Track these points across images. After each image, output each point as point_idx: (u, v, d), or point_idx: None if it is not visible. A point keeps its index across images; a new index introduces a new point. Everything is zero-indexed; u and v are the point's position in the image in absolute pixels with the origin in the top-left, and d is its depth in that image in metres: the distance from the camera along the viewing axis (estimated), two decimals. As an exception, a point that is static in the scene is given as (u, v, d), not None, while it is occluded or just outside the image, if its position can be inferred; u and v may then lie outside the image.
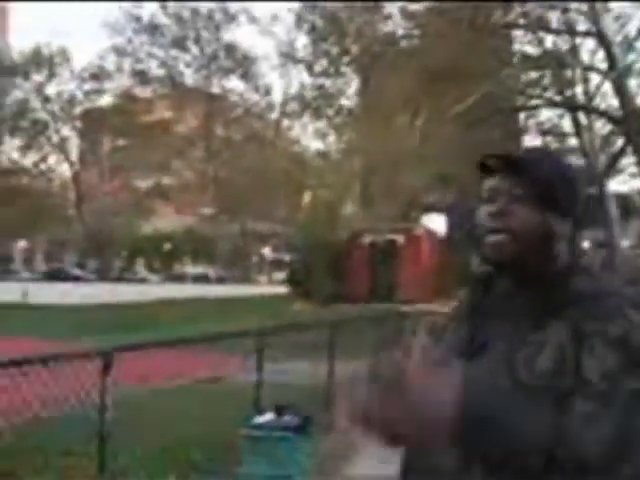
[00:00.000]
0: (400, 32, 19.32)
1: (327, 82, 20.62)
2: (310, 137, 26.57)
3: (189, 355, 6.89)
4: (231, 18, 41.59)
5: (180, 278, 66.10)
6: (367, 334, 11.02)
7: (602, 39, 18.56)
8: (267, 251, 71.12)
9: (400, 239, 26.98)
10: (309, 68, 20.53)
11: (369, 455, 7.02)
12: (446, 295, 26.53)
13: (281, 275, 36.24)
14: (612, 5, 29.10)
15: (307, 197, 27.70)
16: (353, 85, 21.82)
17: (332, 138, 25.16)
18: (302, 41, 20.04)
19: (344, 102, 22.01)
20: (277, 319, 14.12)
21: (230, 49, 44.54)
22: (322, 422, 7.65)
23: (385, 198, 26.40)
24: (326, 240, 25.78)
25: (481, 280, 1.40)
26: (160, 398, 6.53)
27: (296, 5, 19.90)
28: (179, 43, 44.60)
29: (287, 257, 39.05)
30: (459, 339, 1.35)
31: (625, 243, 20.05)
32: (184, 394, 7.04)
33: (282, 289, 30.06)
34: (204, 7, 42.17)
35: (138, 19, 40.69)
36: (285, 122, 26.74)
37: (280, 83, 69.25)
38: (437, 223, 34.92)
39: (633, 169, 34.41)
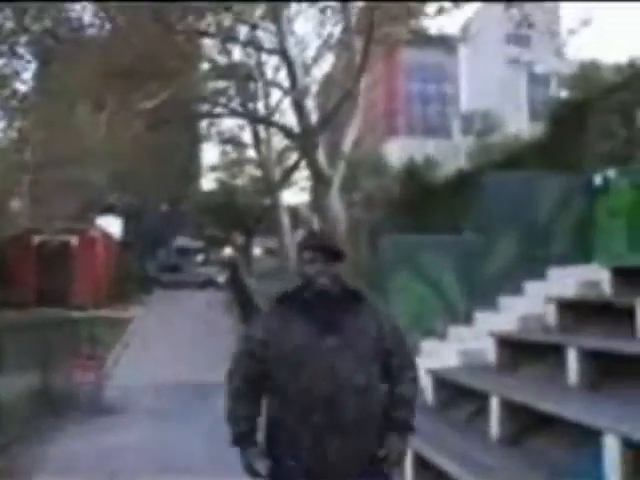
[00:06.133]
0: (87, 19, 18.14)
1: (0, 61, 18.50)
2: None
3: None
4: None
5: None
6: (34, 343, 10.01)
7: (286, 59, 19.40)
8: None
9: (73, 241, 25.40)
10: (-25, 43, 18.16)
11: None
12: (122, 300, 25.62)
13: None
14: (296, 28, 30.75)
15: (-36, 189, 24.56)
16: (30, 68, 19.89)
17: (1, 124, 22.65)
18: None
19: (18, 86, 19.90)
20: None
21: None
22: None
23: (59, 196, 24.56)
24: (-13, 238, 23.10)
25: (291, 295, 3.09)
26: None
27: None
28: None
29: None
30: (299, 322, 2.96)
31: (294, 252, 21.29)
32: None
33: None
34: None
35: None
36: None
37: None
38: (113, 226, 33.73)
39: (303, 183, 37.02)
